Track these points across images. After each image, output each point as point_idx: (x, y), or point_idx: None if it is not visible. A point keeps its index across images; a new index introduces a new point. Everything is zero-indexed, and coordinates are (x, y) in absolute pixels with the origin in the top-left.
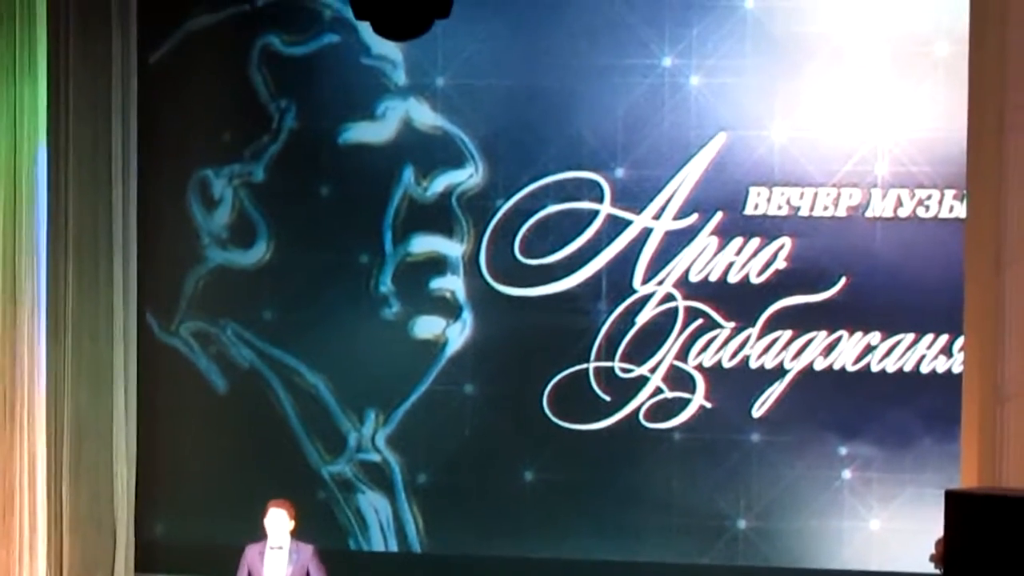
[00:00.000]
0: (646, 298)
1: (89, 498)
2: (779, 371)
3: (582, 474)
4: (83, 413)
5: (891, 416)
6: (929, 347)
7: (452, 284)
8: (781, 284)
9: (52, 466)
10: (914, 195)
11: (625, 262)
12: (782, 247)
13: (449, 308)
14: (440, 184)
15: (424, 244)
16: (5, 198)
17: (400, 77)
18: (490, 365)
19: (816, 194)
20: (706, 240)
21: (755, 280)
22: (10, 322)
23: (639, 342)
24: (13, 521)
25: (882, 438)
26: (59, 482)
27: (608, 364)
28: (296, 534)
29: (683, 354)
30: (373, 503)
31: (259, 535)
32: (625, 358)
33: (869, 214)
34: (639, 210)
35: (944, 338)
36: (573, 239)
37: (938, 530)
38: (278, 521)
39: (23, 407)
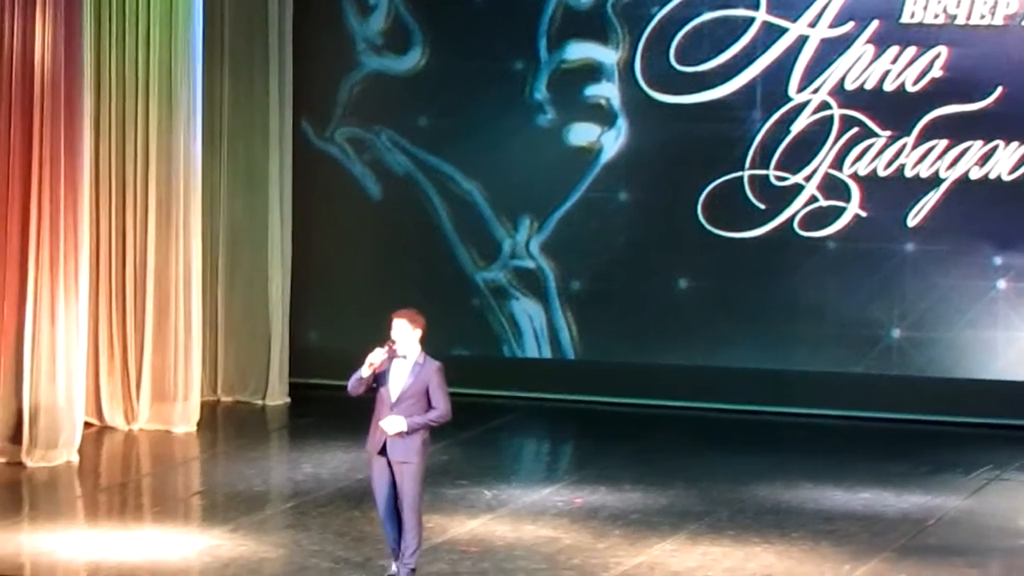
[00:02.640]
0: (801, 106)
1: (244, 305)
2: (934, 180)
3: (736, 282)
4: (238, 220)
5: None
6: None
7: (607, 91)
8: (937, 93)
9: (207, 274)
10: None
11: (780, 70)
12: (938, 56)
13: (604, 115)
14: None
15: (579, 51)
16: (162, 6)
17: None
18: (644, 172)
19: (973, 2)
20: (862, 48)
21: (911, 89)
22: (165, 129)
23: (794, 150)
24: (169, 328)
25: None
26: (214, 289)
27: (763, 172)
28: (426, 343)
29: (838, 162)
30: (527, 310)
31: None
32: (780, 166)
33: None
34: (794, 18)
35: None
36: (728, 47)
37: None
38: (401, 331)
39: (178, 215)
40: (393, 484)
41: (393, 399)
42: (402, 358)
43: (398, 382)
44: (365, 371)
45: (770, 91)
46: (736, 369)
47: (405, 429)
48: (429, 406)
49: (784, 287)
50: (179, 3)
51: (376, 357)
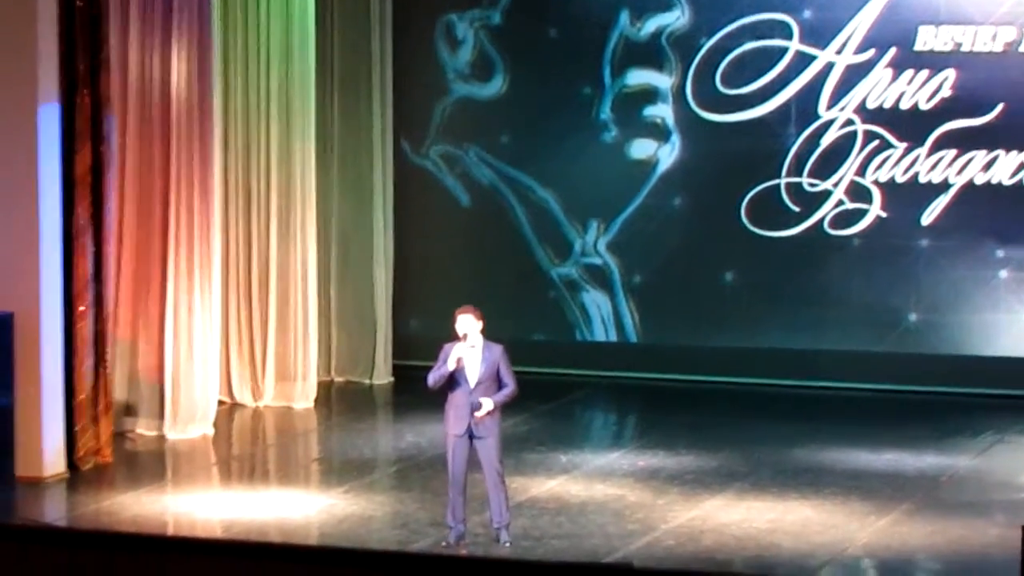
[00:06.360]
0: (829, 123)
1: (353, 298)
2: (944, 185)
3: (774, 274)
4: (347, 225)
5: None
6: None
7: (662, 112)
8: (946, 110)
9: (321, 271)
10: None
11: (811, 92)
12: (947, 78)
13: (660, 132)
14: (652, 25)
15: (638, 77)
16: (280, 40)
17: None
18: (695, 181)
19: (976, 32)
20: (881, 72)
21: (924, 107)
22: (285, 150)
23: (824, 160)
24: (289, 318)
25: None
26: (327, 284)
27: (797, 180)
28: (487, 333)
29: (862, 171)
30: (596, 300)
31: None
32: (811, 174)
33: (1022, 49)
34: (823, 46)
35: None
36: (766, 72)
37: None
38: (469, 324)
39: (296, 221)
40: (468, 460)
41: (472, 385)
42: (471, 347)
43: (473, 369)
44: (452, 364)
45: (803, 110)
46: (775, 349)
47: (493, 408)
48: (499, 385)
49: (816, 278)
50: (295, 38)
51: (462, 352)
